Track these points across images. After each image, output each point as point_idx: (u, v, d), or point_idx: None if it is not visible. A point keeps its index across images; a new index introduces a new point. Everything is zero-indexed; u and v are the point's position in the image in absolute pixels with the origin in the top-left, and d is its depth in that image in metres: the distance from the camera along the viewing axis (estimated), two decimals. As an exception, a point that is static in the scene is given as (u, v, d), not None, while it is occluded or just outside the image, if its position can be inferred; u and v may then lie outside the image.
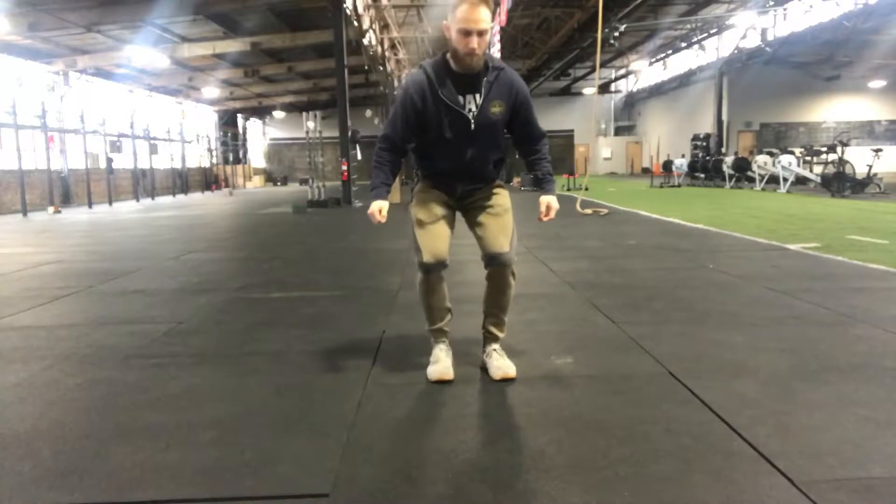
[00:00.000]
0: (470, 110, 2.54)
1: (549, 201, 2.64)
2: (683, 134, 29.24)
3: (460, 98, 2.53)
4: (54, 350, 3.24)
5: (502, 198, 2.74)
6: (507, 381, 2.59)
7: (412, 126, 2.59)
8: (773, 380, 2.60)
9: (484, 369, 2.74)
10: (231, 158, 32.09)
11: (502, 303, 2.73)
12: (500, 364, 2.68)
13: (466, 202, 2.74)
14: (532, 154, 2.76)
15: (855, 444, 2.00)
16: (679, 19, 23.03)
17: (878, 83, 26.62)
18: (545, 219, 2.63)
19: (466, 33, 2.41)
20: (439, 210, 2.67)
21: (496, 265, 2.63)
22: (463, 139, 2.57)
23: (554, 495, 1.75)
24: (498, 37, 18.84)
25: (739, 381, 2.58)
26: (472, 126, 2.55)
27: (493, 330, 2.76)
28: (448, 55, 2.56)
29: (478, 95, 2.54)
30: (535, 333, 3.42)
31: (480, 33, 2.43)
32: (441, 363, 2.68)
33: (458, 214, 2.80)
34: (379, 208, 2.57)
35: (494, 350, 2.75)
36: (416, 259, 2.64)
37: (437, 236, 2.61)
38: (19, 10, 13.70)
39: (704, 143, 26.07)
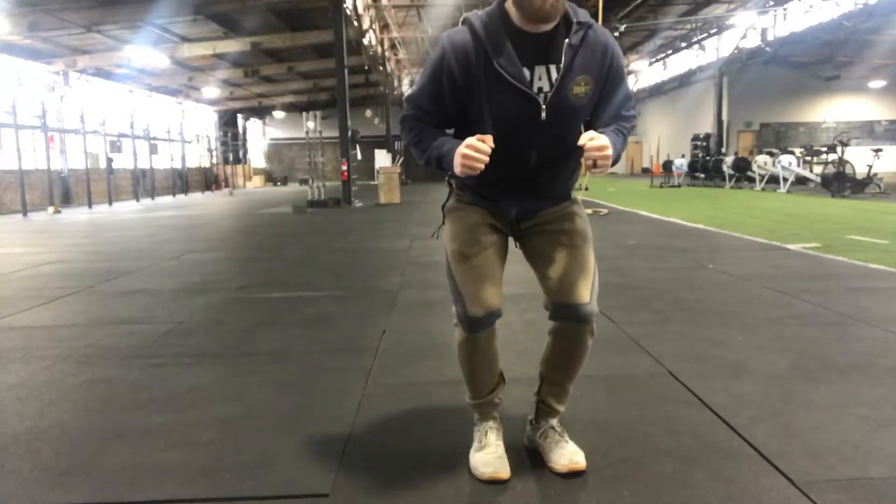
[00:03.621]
0: (540, 90, 1.70)
1: (601, 141, 1.64)
2: (683, 134, 29.24)
3: (526, 72, 1.69)
4: (54, 350, 3.24)
5: (580, 221, 1.90)
6: (573, 473, 1.85)
7: (447, 109, 1.77)
8: (773, 380, 2.60)
9: (532, 451, 2.01)
10: (231, 158, 32.09)
11: (572, 370, 1.94)
12: (565, 451, 1.90)
13: (526, 230, 1.91)
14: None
15: (855, 444, 2.00)
16: (679, 19, 23.04)
17: (878, 83, 26.62)
18: (588, 156, 1.64)
19: None
20: (487, 237, 1.86)
21: (571, 321, 1.84)
22: (527, 135, 1.73)
23: (554, 495, 1.75)
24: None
25: (739, 381, 2.58)
26: (543, 115, 1.70)
27: (553, 403, 1.98)
28: (507, 2, 1.70)
29: (554, 67, 1.69)
30: (536, 333, 3.42)
31: None
32: (491, 451, 1.90)
33: (511, 241, 1.97)
34: (476, 145, 1.63)
35: (553, 429, 1.97)
36: (455, 310, 1.86)
37: (487, 277, 1.81)
38: (19, 10, 13.70)
39: (704, 143, 26.07)
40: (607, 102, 1.81)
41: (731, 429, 2.13)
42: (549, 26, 1.67)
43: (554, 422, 1.99)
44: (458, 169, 1.66)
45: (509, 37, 1.68)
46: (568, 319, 1.84)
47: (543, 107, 1.70)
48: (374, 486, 1.82)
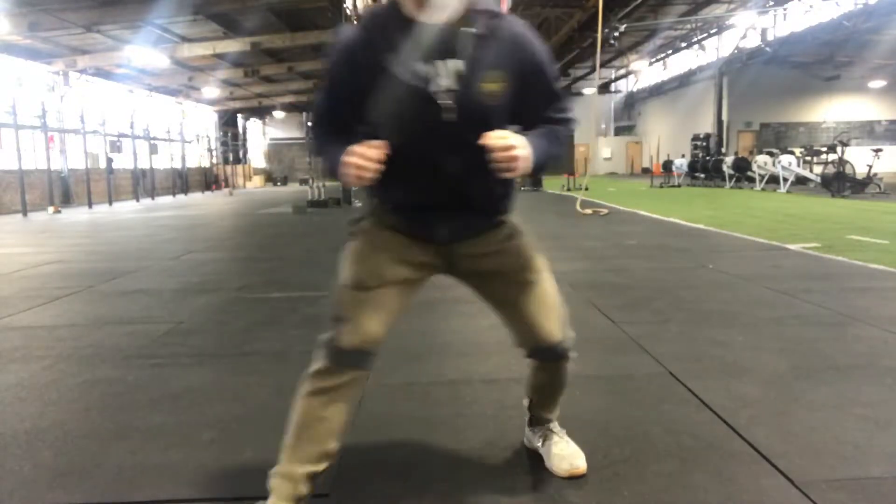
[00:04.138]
0: (442, 88, 1.48)
1: (510, 140, 1.44)
2: (683, 134, 29.24)
3: (424, 68, 1.47)
4: (54, 350, 3.24)
5: (527, 250, 1.72)
6: (574, 477, 1.83)
7: (349, 115, 1.57)
8: (773, 380, 2.60)
9: (532, 453, 1.97)
10: (231, 158, 32.09)
11: (557, 394, 1.91)
12: (565, 455, 1.86)
13: (465, 260, 1.68)
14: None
15: (855, 444, 2.00)
16: (679, 19, 23.03)
17: (878, 83, 26.62)
18: (495, 150, 1.42)
19: None
20: (396, 272, 1.62)
21: (550, 360, 1.78)
22: (435, 141, 1.51)
23: (554, 495, 1.75)
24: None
25: (739, 381, 2.58)
26: (449, 116, 1.48)
27: (546, 414, 1.95)
28: None
29: (458, 63, 1.48)
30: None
31: None
32: None
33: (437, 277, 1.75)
34: (361, 151, 1.43)
35: (552, 430, 1.93)
36: (326, 335, 1.59)
37: (378, 309, 1.59)
38: (19, 10, 13.71)
39: (704, 143, 26.08)
40: (529, 103, 1.58)
41: (731, 429, 2.13)
42: (443, 13, 1.47)
43: (552, 424, 1.94)
44: (346, 179, 1.46)
45: (403, 29, 1.48)
46: (544, 360, 1.78)
47: (448, 108, 1.48)
48: (374, 486, 1.82)
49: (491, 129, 1.45)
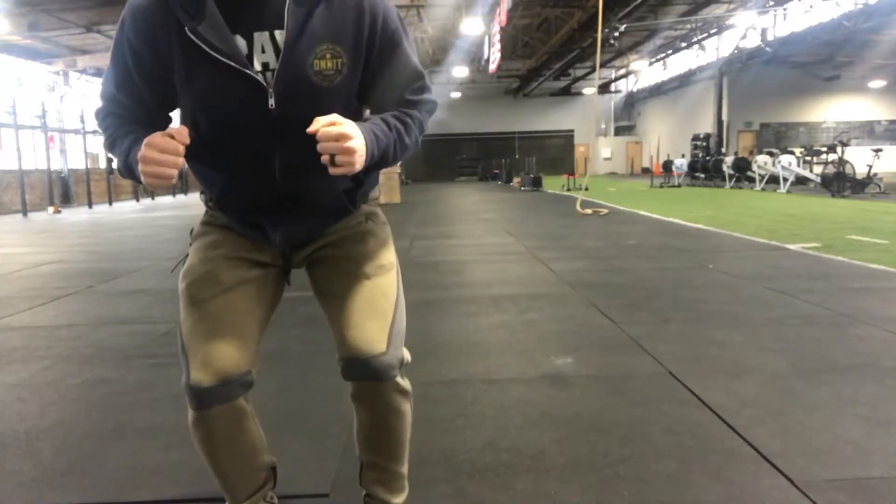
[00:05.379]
0: (266, 67, 1.23)
1: (341, 128, 1.14)
2: (683, 134, 29.25)
3: (240, 41, 1.22)
4: (54, 350, 3.24)
5: (374, 242, 1.42)
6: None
7: (145, 99, 1.28)
8: (773, 380, 2.60)
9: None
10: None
11: (389, 445, 1.44)
12: None
13: (302, 256, 1.43)
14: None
15: (855, 444, 2.00)
16: (679, 19, 23.02)
17: (878, 83, 26.62)
18: (322, 147, 1.14)
19: None
20: (234, 273, 1.35)
21: (362, 379, 1.35)
22: (256, 130, 1.25)
23: (554, 495, 1.75)
24: (498, 37, 18.88)
25: (739, 381, 2.58)
26: (271, 99, 1.22)
27: (383, 494, 1.47)
28: None
29: (277, 32, 1.22)
30: (535, 333, 3.42)
31: None
32: None
33: (283, 276, 1.47)
34: (157, 142, 1.13)
35: None
36: (182, 377, 1.30)
37: (224, 330, 1.30)
38: (19, 10, 13.72)
39: (704, 143, 26.08)
40: (379, 81, 1.31)
41: (731, 429, 2.13)
42: None
43: None
44: (145, 180, 1.14)
45: None
46: (359, 378, 1.35)
47: (270, 88, 1.21)
48: (374, 486, 1.82)
49: (324, 113, 1.16)
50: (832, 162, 14.87)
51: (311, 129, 1.14)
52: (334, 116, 1.15)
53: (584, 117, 36.95)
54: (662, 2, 21.84)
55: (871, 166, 14.20)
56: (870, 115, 27.80)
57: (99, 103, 1.33)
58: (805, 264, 5.38)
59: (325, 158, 1.15)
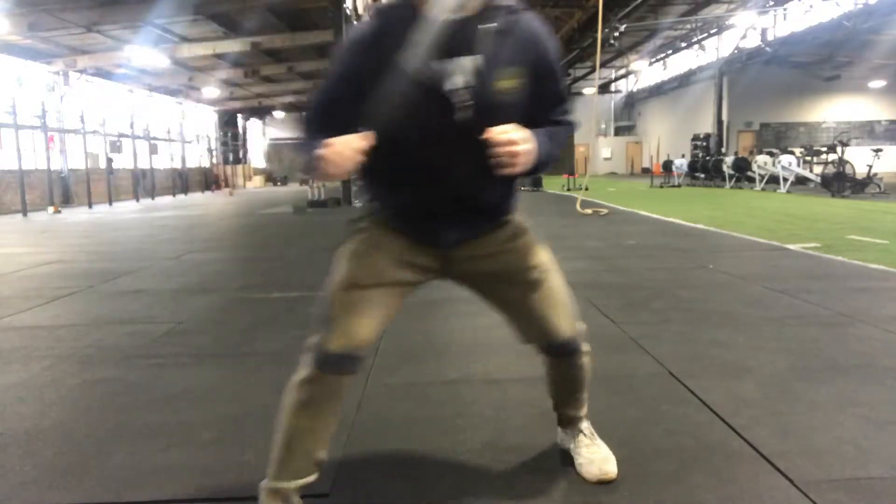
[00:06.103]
0: (458, 87, 1.43)
1: (516, 134, 1.40)
2: (683, 134, 29.24)
3: (439, 65, 1.42)
4: (54, 350, 3.24)
5: (529, 244, 1.68)
6: (604, 482, 1.78)
7: (350, 114, 1.48)
8: (773, 380, 2.60)
9: (564, 454, 1.93)
10: (231, 158, 32.08)
11: (579, 390, 1.86)
12: (595, 459, 1.82)
13: (464, 262, 1.63)
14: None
15: (855, 444, 2.00)
16: (679, 19, 23.03)
17: (878, 83, 26.61)
18: (498, 144, 1.39)
19: None
20: (394, 273, 1.57)
21: (564, 356, 1.75)
22: (445, 142, 1.46)
23: (554, 495, 1.75)
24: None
25: (739, 381, 2.58)
26: (464, 115, 1.43)
27: (573, 412, 1.89)
28: None
29: (475, 59, 1.43)
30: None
31: None
32: None
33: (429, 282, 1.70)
34: (342, 141, 1.37)
35: (582, 432, 1.88)
36: (313, 339, 1.54)
37: (370, 311, 1.53)
38: (19, 10, 13.70)
39: (704, 143, 26.08)
40: (536, 103, 1.54)
41: (731, 429, 2.13)
42: (464, 12, 1.43)
43: (583, 424, 1.90)
44: (318, 171, 1.38)
45: (418, 25, 1.41)
46: (557, 356, 1.75)
47: (464, 105, 1.43)
48: (374, 486, 1.82)
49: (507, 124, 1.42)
50: (832, 162, 14.88)
51: (486, 135, 1.38)
52: (506, 126, 1.40)
53: (584, 117, 36.70)
54: (662, 2, 21.85)
55: (871, 166, 14.20)
56: (870, 115, 27.79)
57: (308, 112, 1.57)
58: (805, 264, 5.38)
59: (495, 160, 1.40)
